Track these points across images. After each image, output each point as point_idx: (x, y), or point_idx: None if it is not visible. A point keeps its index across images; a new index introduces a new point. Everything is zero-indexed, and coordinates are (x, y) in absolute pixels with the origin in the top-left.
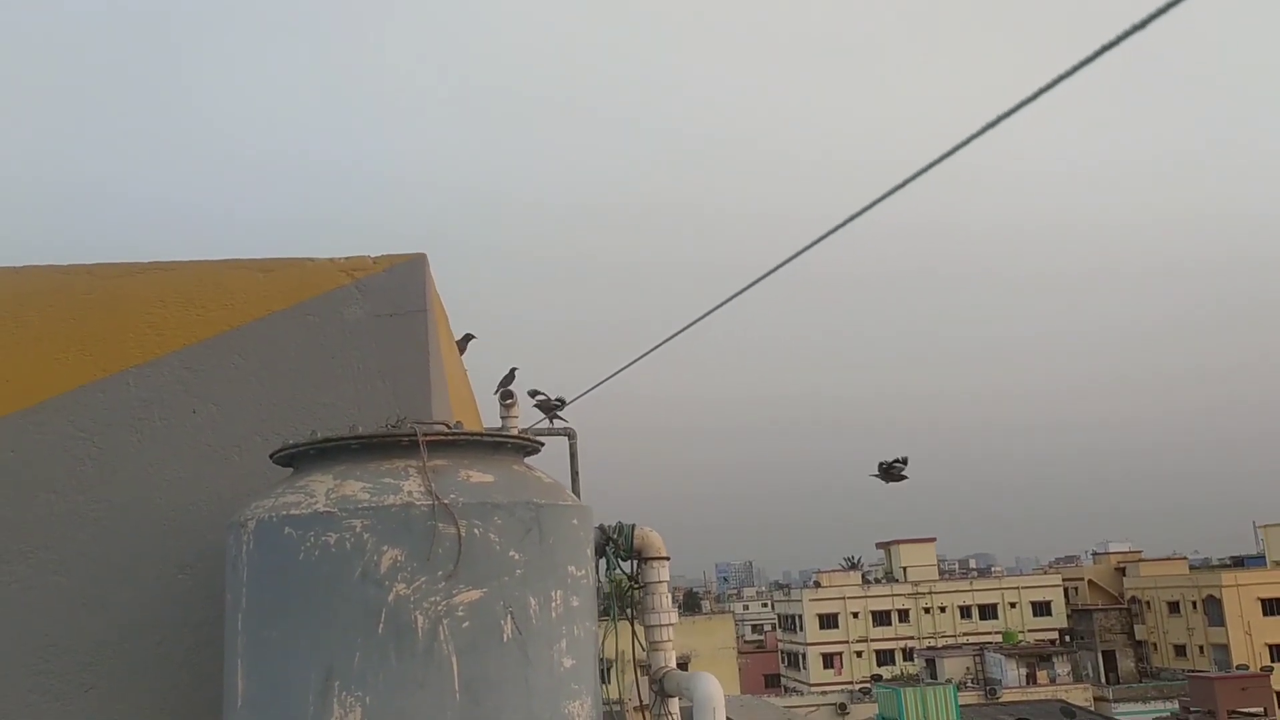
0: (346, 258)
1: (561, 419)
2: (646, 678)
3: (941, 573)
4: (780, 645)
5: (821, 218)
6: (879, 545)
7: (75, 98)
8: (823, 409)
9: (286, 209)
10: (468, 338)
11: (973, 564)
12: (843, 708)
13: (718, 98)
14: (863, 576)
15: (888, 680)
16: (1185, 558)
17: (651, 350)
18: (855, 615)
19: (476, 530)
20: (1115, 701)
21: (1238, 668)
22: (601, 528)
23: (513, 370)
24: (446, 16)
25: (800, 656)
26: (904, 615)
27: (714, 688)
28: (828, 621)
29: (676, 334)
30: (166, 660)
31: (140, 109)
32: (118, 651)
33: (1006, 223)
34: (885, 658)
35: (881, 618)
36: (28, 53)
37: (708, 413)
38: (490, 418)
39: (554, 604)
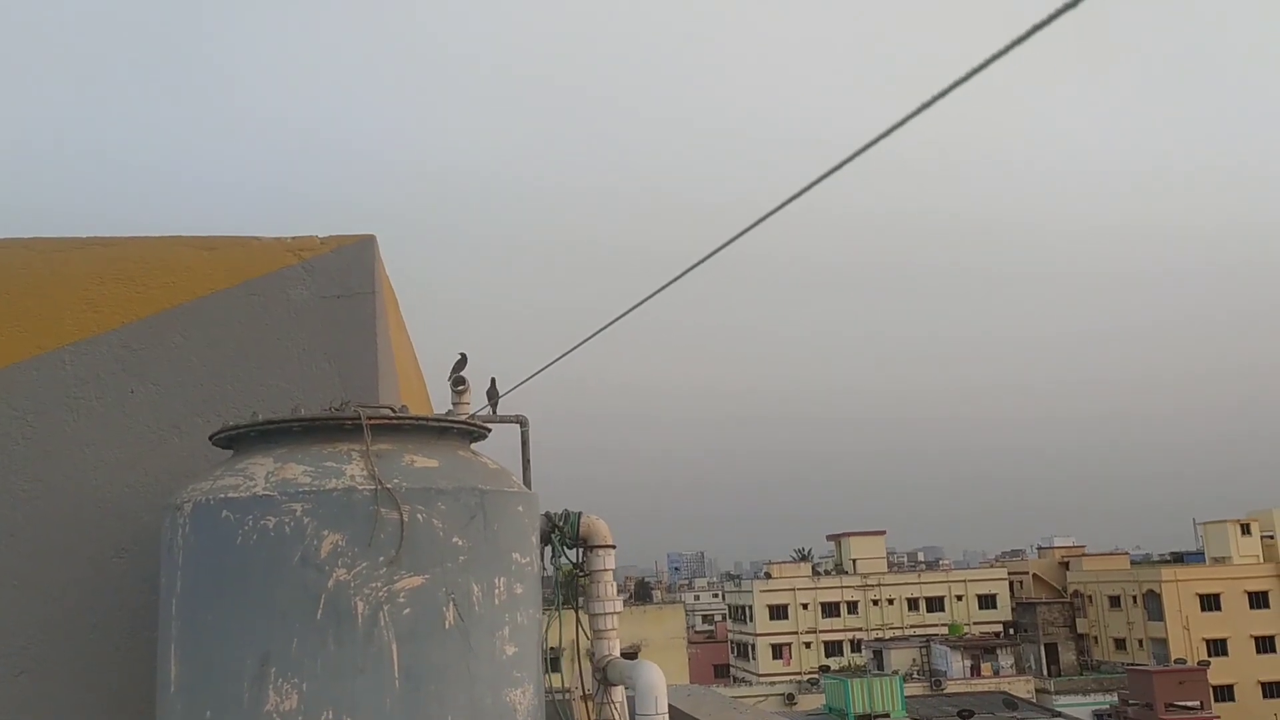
0: (294, 237)
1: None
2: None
3: (890, 565)
4: (730, 635)
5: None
6: (830, 537)
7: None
8: (776, 402)
9: (243, 180)
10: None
11: (921, 557)
12: (791, 698)
13: (687, 84)
14: (813, 568)
15: (835, 671)
16: (1127, 553)
17: (586, 340)
18: (805, 606)
19: (419, 516)
20: (1056, 693)
21: (1176, 661)
22: (547, 515)
23: (463, 355)
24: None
25: (750, 647)
26: (853, 607)
27: (656, 676)
28: (778, 612)
29: (609, 324)
30: (102, 644)
31: (139, 70)
32: (51, 635)
33: (963, 219)
34: (834, 649)
35: (831, 609)
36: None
37: (662, 403)
38: (444, 404)
39: (497, 591)
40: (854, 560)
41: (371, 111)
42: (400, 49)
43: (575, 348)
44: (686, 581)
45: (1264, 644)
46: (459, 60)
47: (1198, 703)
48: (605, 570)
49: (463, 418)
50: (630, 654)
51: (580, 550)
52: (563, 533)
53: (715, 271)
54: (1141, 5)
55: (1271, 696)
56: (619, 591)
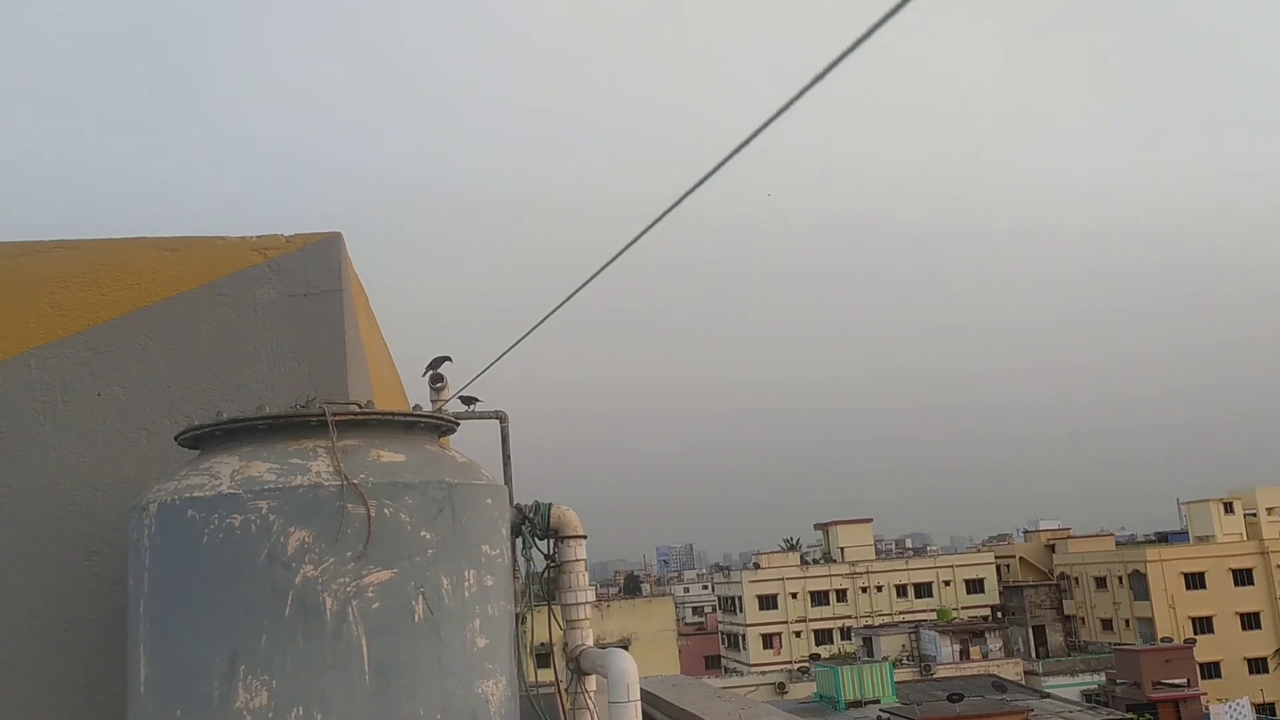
0: (259, 236)
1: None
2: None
3: (878, 553)
4: (720, 626)
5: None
6: (817, 526)
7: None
8: (760, 394)
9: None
10: (442, 360)
11: (909, 544)
12: (781, 687)
13: (649, 90)
14: (801, 557)
15: (826, 659)
16: (1112, 534)
17: (529, 332)
18: (794, 596)
19: (387, 510)
20: (1045, 675)
21: (1162, 640)
22: (518, 507)
23: (443, 357)
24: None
25: (740, 637)
26: (841, 595)
27: (628, 664)
28: (767, 602)
29: (549, 314)
30: (75, 647)
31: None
32: (24, 639)
33: (945, 217)
34: (824, 637)
35: (820, 598)
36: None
37: (647, 399)
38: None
39: (467, 584)
40: (842, 548)
41: (346, 120)
42: (374, 64)
43: (520, 339)
44: (676, 574)
45: (1249, 620)
46: (428, 71)
47: (1185, 680)
48: (577, 560)
49: (429, 412)
50: (622, 647)
51: (551, 541)
52: (533, 524)
53: (703, 266)
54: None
55: (1258, 672)
56: (608, 585)
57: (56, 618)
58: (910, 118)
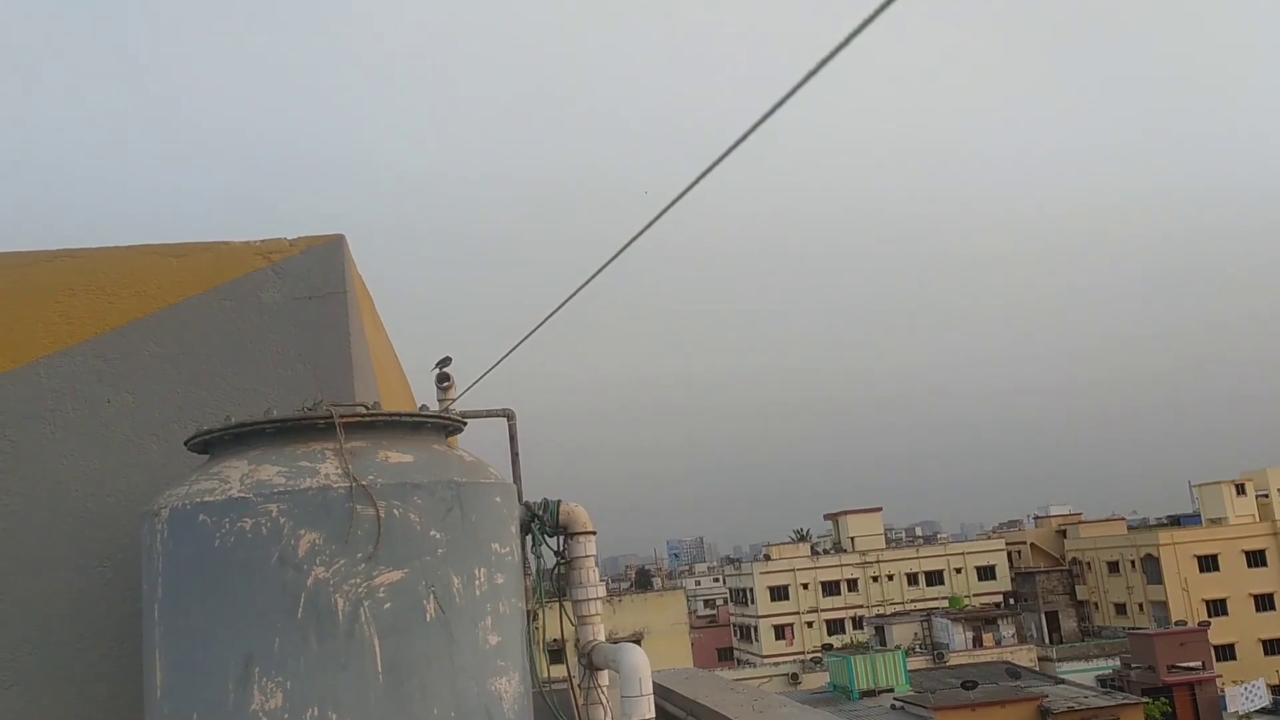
0: (262, 240)
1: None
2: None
3: (888, 542)
4: (732, 618)
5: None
6: (827, 517)
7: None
8: (766, 386)
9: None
10: (446, 360)
11: (919, 532)
12: (795, 677)
13: (658, 84)
14: (811, 548)
15: (838, 649)
16: (1123, 518)
17: (533, 331)
18: (805, 586)
19: (396, 511)
20: (1059, 661)
21: (1176, 624)
22: (527, 504)
23: (447, 358)
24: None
25: (752, 629)
26: (853, 585)
27: (639, 659)
28: (778, 594)
29: (556, 309)
30: (90, 653)
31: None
32: (39, 646)
33: (939, 201)
34: (836, 627)
35: (831, 588)
36: None
37: (655, 394)
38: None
39: (478, 582)
40: (852, 538)
41: (344, 121)
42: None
43: (528, 335)
44: (687, 567)
45: (1263, 602)
46: (429, 68)
47: (1199, 663)
48: (587, 557)
49: (436, 411)
50: (634, 641)
51: (561, 538)
52: (542, 521)
53: (708, 258)
54: None
55: (1272, 654)
56: (619, 579)
57: (69, 624)
58: (907, 108)
